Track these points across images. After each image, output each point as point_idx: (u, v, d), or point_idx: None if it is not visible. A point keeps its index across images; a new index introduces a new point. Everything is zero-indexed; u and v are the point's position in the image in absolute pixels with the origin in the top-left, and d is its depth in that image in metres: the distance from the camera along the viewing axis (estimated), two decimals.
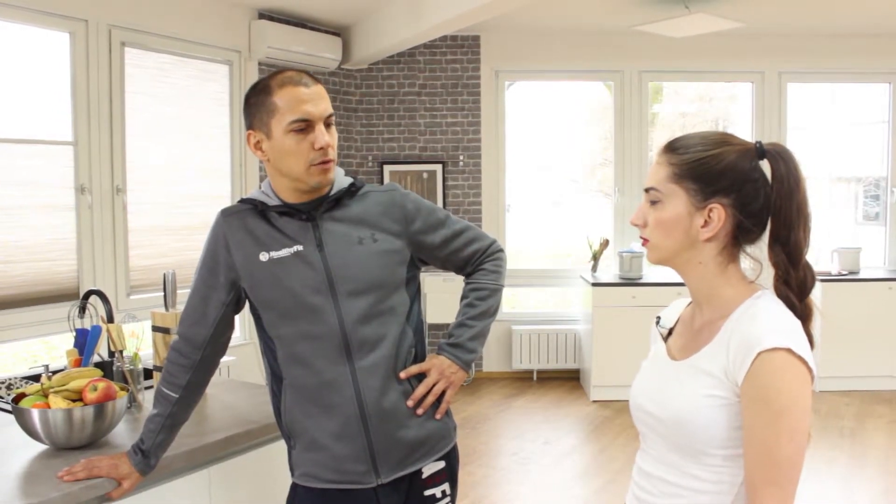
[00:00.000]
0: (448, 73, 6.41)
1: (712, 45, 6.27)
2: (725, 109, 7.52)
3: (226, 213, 1.80)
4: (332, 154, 1.73)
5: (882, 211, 6.86)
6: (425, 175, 6.41)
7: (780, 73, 6.60)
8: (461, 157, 6.45)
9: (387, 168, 6.40)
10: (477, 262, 1.92)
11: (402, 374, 1.76)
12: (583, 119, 7.26)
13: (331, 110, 1.74)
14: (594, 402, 5.83)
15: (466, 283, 1.93)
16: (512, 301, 7.08)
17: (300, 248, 1.73)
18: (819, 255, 6.50)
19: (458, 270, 1.94)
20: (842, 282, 6.06)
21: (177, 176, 4.90)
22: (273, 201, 1.77)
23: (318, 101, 1.70)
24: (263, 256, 1.74)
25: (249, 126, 1.75)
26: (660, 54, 6.42)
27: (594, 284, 5.89)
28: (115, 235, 4.49)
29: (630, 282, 5.93)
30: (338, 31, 5.98)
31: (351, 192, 1.80)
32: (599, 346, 5.80)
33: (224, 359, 5.09)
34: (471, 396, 6.06)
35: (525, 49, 6.46)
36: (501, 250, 1.96)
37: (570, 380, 6.51)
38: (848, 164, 7.10)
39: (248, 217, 1.78)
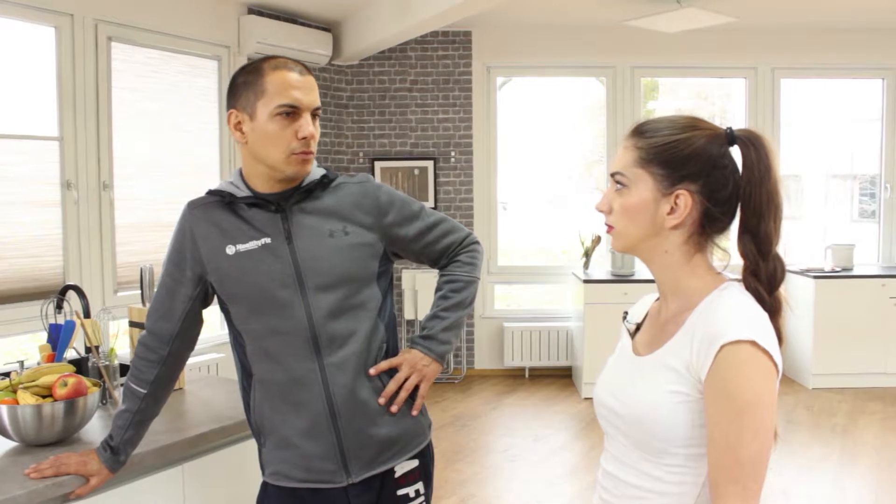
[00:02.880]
0: (439, 68, 6.38)
1: (704, 40, 6.24)
2: (722, 107, 7.48)
3: (192, 206, 1.77)
4: (313, 146, 1.70)
5: (876, 208, 6.84)
6: (416, 172, 6.38)
7: (774, 69, 6.57)
8: (453, 154, 6.42)
9: (378, 164, 6.37)
10: (452, 255, 1.88)
11: (372, 371, 1.72)
12: (578, 116, 7.23)
13: (319, 103, 1.71)
14: (586, 399, 5.80)
15: (441, 276, 1.89)
16: (504, 298, 7.06)
17: (268, 240, 1.69)
18: (813, 251, 6.48)
19: (433, 264, 1.90)
20: (835, 278, 6.03)
21: (165, 172, 4.87)
22: (242, 192, 1.73)
23: (308, 90, 1.67)
24: (230, 249, 1.70)
25: (233, 105, 1.70)
26: (652, 50, 6.39)
27: (586, 281, 5.86)
28: (101, 231, 4.46)
29: (622, 278, 5.90)
30: (328, 27, 5.95)
31: (323, 183, 1.75)
32: (591, 343, 5.78)
33: (212, 356, 5.06)
34: (462, 394, 6.04)
35: (516, 45, 6.43)
36: (477, 242, 1.92)
37: (561, 377, 6.48)
38: (844, 161, 7.07)
39: (216, 209, 1.74)
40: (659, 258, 1.30)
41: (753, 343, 1.15)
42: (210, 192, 1.77)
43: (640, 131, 1.30)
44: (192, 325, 1.80)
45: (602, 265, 6.39)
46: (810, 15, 6.04)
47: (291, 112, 1.65)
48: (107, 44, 4.47)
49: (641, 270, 6.00)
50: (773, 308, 1.25)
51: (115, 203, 4.54)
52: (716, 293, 1.25)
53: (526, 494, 4.14)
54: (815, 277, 5.96)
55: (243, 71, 1.71)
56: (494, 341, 6.56)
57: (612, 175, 1.31)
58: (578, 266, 6.37)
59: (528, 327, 6.44)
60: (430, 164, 6.39)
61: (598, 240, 6.34)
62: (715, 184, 1.25)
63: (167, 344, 1.77)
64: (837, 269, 6.18)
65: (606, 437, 1.38)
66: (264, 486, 1.79)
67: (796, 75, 6.65)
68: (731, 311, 1.20)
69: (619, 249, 1.34)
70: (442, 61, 6.37)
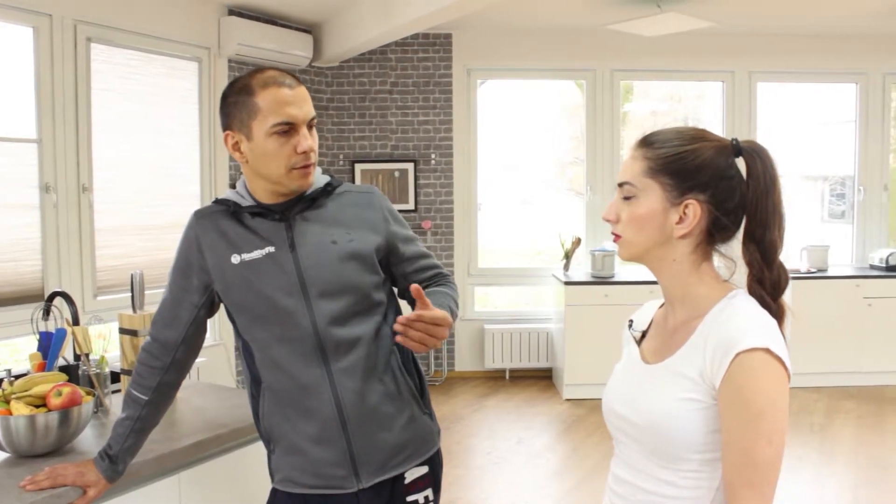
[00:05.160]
0: (420, 71, 6.38)
1: (684, 44, 6.31)
2: (695, 108, 7.56)
3: (199, 215, 1.76)
4: (314, 158, 1.69)
5: (848, 209, 6.95)
6: (397, 174, 6.37)
7: (751, 73, 6.66)
8: (433, 156, 6.42)
9: (358, 167, 6.35)
10: (436, 283, 1.84)
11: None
12: (554, 118, 7.26)
13: (314, 113, 1.70)
14: (567, 400, 5.84)
15: (439, 284, 1.84)
16: (483, 300, 7.07)
17: (272, 249, 1.69)
18: (788, 252, 6.57)
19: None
20: (811, 279, 6.13)
21: (144, 174, 4.81)
22: (247, 202, 1.73)
23: (301, 103, 1.66)
24: (235, 259, 1.69)
25: (227, 126, 1.69)
26: (632, 53, 6.44)
27: (566, 283, 5.89)
28: (81, 235, 4.40)
29: (602, 280, 5.94)
30: (309, 29, 5.93)
31: (327, 191, 1.75)
32: (572, 345, 5.81)
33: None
34: (444, 396, 6.04)
35: (497, 47, 6.45)
36: (454, 282, 1.90)
37: (542, 379, 6.51)
38: (815, 162, 7.18)
39: (221, 218, 1.73)
40: (667, 267, 1.32)
41: (767, 350, 1.18)
42: (216, 202, 1.77)
43: (648, 142, 1.32)
44: (197, 334, 1.79)
45: (582, 267, 6.43)
46: (787, 21, 6.13)
47: (288, 129, 1.64)
48: (86, 45, 4.41)
49: (621, 272, 6.05)
50: (777, 314, 1.29)
51: (94, 206, 4.48)
52: (725, 301, 1.27)
53: (511, 495, 4.16)
54: (792, 278, 6.02)
55: (232, 90, 1.68)
56: (475, 343, 6.57)
57: (620, 185, 1.33)
58: (559, 268, 6.41)
59: (509, 329, 6.46)
60: (410, 166, 6.38)
61: (577, 242, 6.38)
62: (722, 194, 1.27)
63: (171, 351, 1.76)
64: (813, 270, 6.28)
65: (617, 444, 1.39)
66: (273, 492, 1.79)
67: (773, 79, 6.74)
68: (744, 319, 1.22)
69: (627, 258, 1.36)
70: (422, 63, 6.37)
